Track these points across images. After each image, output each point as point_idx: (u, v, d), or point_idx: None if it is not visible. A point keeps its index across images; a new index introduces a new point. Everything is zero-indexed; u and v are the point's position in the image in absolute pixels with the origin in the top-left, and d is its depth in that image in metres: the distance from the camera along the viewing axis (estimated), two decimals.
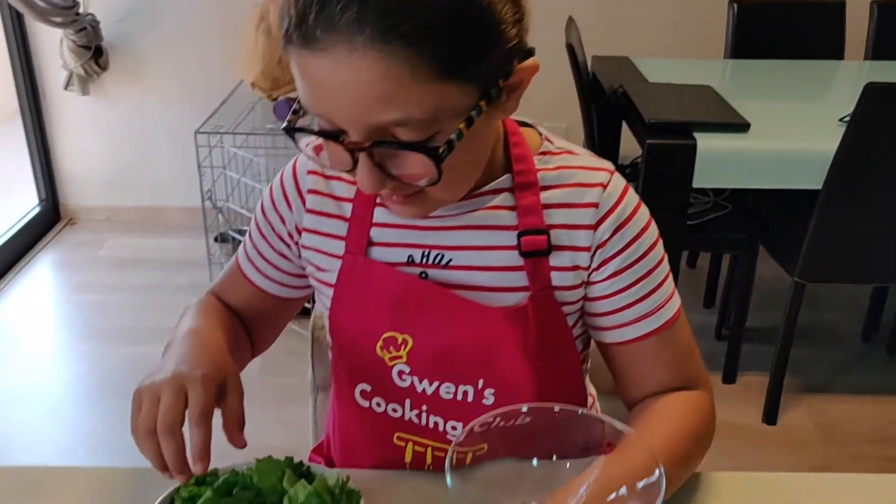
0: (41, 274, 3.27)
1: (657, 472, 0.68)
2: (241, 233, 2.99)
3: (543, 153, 0.91)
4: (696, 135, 2.08)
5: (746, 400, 2.51)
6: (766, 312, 2.82)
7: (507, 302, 0.89)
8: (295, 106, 0.78)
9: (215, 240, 3.03)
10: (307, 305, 1.06)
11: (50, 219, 3.59)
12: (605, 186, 0.89)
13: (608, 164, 0.92)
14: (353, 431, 0.99)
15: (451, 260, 0.90)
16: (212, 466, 0.81)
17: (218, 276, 1.07)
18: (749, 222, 2.45)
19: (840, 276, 2.28)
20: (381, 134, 0.73)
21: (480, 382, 0.91)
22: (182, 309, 0.98)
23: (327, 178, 0.95)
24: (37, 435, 2.34)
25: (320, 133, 0.76)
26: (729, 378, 2.59)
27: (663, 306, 0.92)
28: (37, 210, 3.53)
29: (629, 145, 2.54)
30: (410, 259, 0.91)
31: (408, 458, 0.96)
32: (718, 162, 2.08)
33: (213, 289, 1.06)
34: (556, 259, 0.89)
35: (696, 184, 2.09)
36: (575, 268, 0.89)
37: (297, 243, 0.97)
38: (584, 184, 0.89)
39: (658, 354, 0.93)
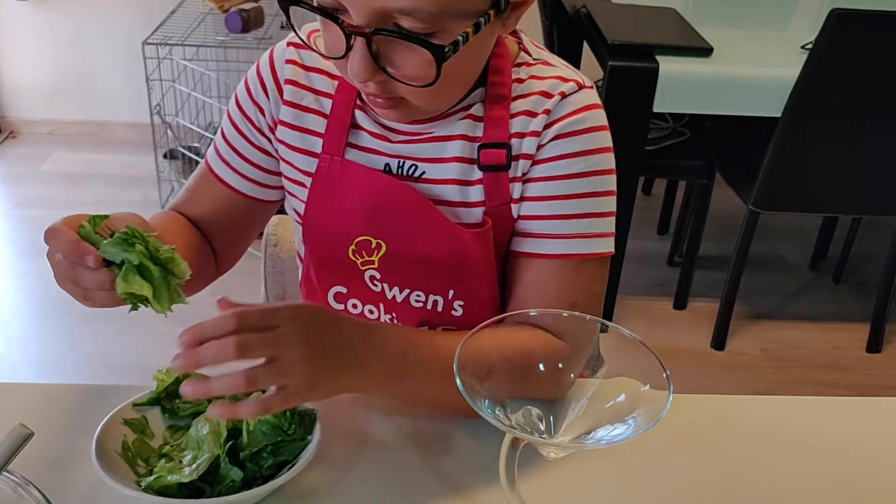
0: None
1: (664, 374, 0.64)
2: (192, 149, 2.91)
3: (519, 64, 0.88)
4: (658, 58, 2.06)
5: (696, 325, 2.56)
6: (717, 241, 2.86)
7: (472, 217, 0.88)
8: None
9: (164, 156, 2.95)
10: None
11: None
12: (564, 96, 0.85)
13: (583, 79, 0.87)
14: None
15: (423, 172, 0.88)
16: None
17: (178, 193, 1.00)
18: (707, 149, 2.45)
19: (794, 205, 2.30)
20: (384, 21, 0.71)
21: (451, 293, 0.89)
22: None
23: (307, 69, 0.90)
24: None
25: (318, 10, 0.72)
26: (680, 304, 2.63)
27: (589, 238, 0.85)
28: None
29: (590, 67, 2.51)
30: (387, 168, 0.88)
31: None
32: (680, 86, 2.07)
33: (173, 205, 0.98)
34: (513, 171, 0.86)
35: (656, 108, 2.07)
36: (522, 176, 0.86)
37: (275, 136, 0.92)
38: (548, 93, 0.85)
39: (550, 283, 0.86)
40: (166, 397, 0.81)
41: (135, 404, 0.79)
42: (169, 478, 0.72)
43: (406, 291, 0.90)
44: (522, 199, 0.87)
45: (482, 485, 0.79)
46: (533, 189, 0.86)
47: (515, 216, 0.88)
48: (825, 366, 2.45)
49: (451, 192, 0.87)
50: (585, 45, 2.48)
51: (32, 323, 2.41)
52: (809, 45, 1.99)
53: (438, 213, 0.86)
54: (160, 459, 0.75)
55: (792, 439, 0.89)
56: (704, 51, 2.11)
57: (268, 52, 0.92)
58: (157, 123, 2.81)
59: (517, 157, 0.86)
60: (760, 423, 0.91)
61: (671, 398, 0.62)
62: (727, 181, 2.40)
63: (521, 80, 0.86)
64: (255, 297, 1.22)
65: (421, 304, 0.90)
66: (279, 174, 0.95)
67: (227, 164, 0.95)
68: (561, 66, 0.89)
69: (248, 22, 2.77)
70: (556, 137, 0.85)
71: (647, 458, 0.84)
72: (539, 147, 0.85)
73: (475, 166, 0.86)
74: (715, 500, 0.80)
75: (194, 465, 0.73)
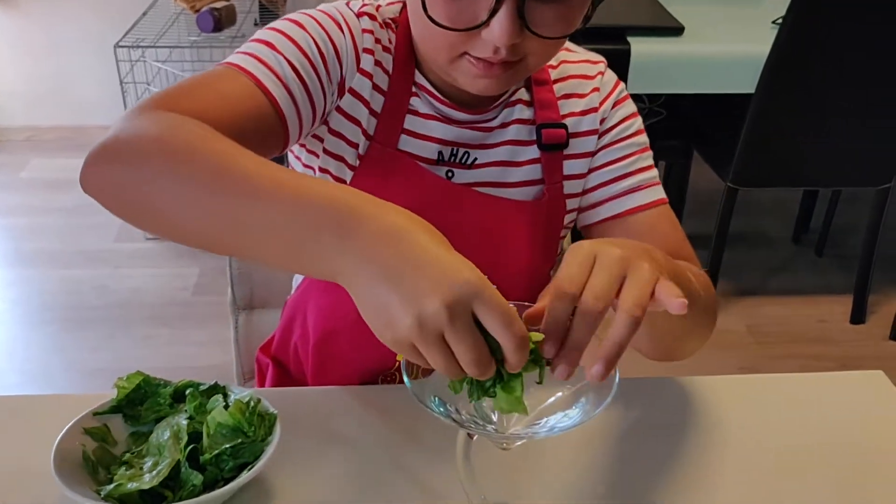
0: None
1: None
2: None
3: None
4: (629, 39, 2.05)
5: None
6: (698, 219, 2.85)
7: (523, 196, 0.92)
8: None
9: None
10: None
11: None
12: (602, 74, 0.95)
13: (602, 58, 0.96)
14: (343, 332, 0.93)
15: (476, 159, 0.91)
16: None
17: (174, 91, 0.76)
18: (684, 128, 2.45)
19: (772, 179, 2.30)
20: None
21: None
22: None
23: (381, 45, 0.87)
24: None
25: None
26: None
27: (651, 186, 0.94)
28: None
29: None
30: (440, 156, 0.90)
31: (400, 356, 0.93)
32: (652, 67, 2.07)
33: (152, 103, 0.72)
34: (570, 149, 0.92)
35: (629, 90, 2.04)
36: (585, 154, 0.93)
37: (338, 100, 0.86)
38: (587, 75, 0.94)
39: (655, 226, 0.93)
40: (128, 404, 0.80)
41: (95, 413, 0.79)
42: (129, 485, 0.72)
43: None
44: (595, 169, 0.94)
45: (446, 477, 0.79)
46: (607, 155, 0.93)
47: (570, 192, 0.93)
48: (811, 339, 2.46)
49: (505, 174, 0.91)
50: None
51: (17, 331, 2.40)
52: (780, 20, 1.99)
53: (484, 197, 0.89)
54: (121, 467, 0.75)
55: (754, 417, 0.89)
56: (675, 30, 2.11)
57: (333, 7, 0.86)
58: None
59: (575, 135, 0.92)
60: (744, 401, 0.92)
61: (617, 382, 0.62)
62: (705, 159, 2.40)
63: (553, 66, 0.93)
64: (224, 295, 1.22)
65: None
66: (313, 121, 0.85)
67: (273, 71, 0.80)
68: (579, 50, 0.96)
69: (220, 21, 2.76)
70: (614, 105, 0.94)
71: (610, 442, 0.85)
72: (602, 120, 0.93)
73: (530, 147, 0.91)
74: (692, 483, 0.80)
75: (154, 472, 0.73)
